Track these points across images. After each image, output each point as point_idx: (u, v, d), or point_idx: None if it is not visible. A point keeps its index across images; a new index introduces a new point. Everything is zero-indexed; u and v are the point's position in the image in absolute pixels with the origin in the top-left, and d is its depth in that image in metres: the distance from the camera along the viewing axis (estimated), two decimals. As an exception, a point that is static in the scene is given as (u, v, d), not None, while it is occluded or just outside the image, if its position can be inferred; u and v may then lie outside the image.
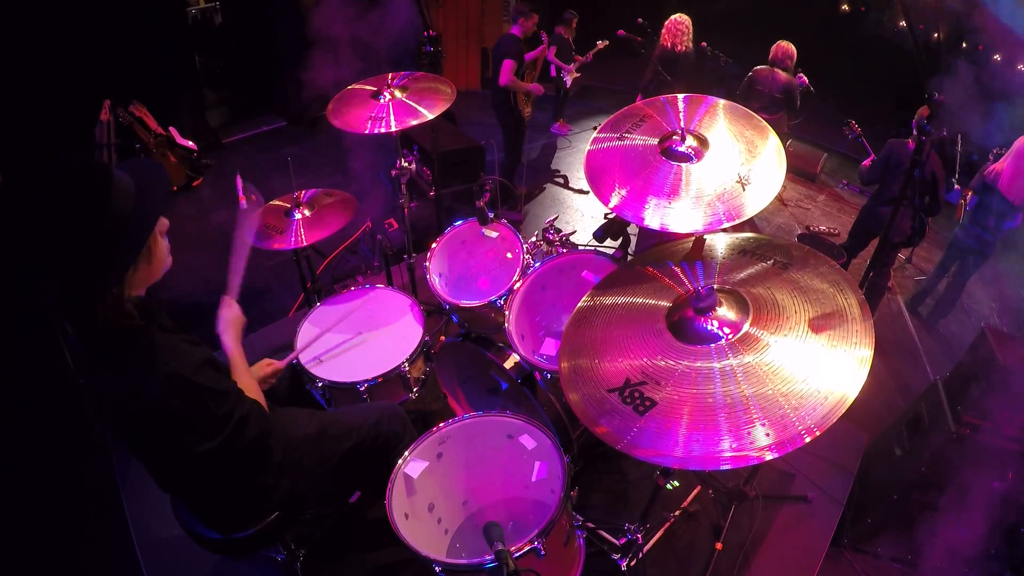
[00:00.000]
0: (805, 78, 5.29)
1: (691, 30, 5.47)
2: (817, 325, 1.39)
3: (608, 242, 2.30)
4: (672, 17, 5.44)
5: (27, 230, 1.20)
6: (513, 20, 4.91)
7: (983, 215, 4.11)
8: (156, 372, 1.32)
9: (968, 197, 4.28)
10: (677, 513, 2.46)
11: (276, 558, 2.13)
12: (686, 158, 1.83)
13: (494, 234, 2.73)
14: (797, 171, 6.53)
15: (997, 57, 6.89)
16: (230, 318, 1.79)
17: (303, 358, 2.41)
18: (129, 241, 1.27)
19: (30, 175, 1.23)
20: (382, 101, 2.66)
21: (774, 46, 5.20)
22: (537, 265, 2.52)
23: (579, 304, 1.74)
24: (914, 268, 5.34)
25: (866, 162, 4.09)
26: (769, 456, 1.21)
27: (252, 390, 1.63)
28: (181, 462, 1.45)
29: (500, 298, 2.44)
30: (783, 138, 5.61)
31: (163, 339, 1.37)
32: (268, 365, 1.92)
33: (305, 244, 2.67)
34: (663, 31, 5.46)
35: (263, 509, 1.74)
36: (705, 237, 1.77)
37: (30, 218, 1.19)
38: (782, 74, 5.12)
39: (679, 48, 5.42)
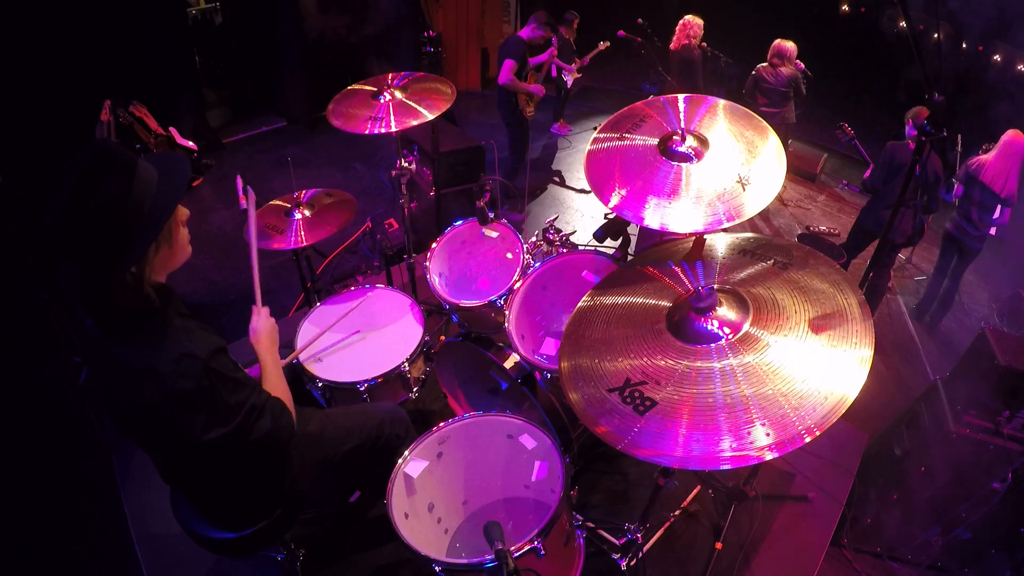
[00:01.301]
0: (801, 63, 5.38)
1: (688, 29, 5.54)
2: (817, 325, 1.39)
3: (608, 242, 2.30)
4: None
5: (51, 209, 1.22)
6: (527, 23, 4.90)
7: (967, 206, 4.12)
8: (171, 352, 1.34)
9: (955, 188, 4.29)
10: (677, 513, 2.46)
11: (276, 558, 2.13)
12: (686, 158, 1.83)
13: (494, 234, 2.74)
14: (797, 171, 6.54)
15: (997, 58, 6.91)
16: (264, 329, 1.78)
17: (303, 358, 2.41)
18: (151, 220, 1.31)
19: (30, 175, 1.25)
20: (382, 101, 2.66)
21: (773, 44, 5.27)
22: (537, 265, 2.52)
23: (579, 304, 1.74)
24: (914, 268, 5.35)
25: (867, 173, 4.10)
26: (769, 456, 1.21)
27: (284, 396, 1.65)
28: (187, 449, 1.45)
29: (500, 298, 2.44)
30: (788, 133, 5.68)
31: (180, 322, 1.40)
32: None
33: (305, 244, 2.67)
34: None
35: (263, 507, 1.74)
36: (705, 237, 1.77)
37: (55, 198, 1.22)
38: (784, 68, 5.21)
39: (673, 47, 5.65)
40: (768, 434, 1.23)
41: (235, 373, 1.46)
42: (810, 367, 1.31)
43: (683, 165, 1.82)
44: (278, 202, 2.85)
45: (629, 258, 2.52)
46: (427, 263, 2.69)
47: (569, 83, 6.52)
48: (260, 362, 1.74)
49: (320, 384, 2.34)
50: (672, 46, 5.68)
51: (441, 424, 2.00)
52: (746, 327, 1.43)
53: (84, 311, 1.36)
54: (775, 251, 1.65)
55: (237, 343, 2.71)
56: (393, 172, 2.97)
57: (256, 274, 1.87)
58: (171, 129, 5.64)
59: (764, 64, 5.35)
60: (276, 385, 1.67)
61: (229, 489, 1.65)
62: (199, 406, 1.38)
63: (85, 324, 1.40)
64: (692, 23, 5.55)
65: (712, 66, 6.13)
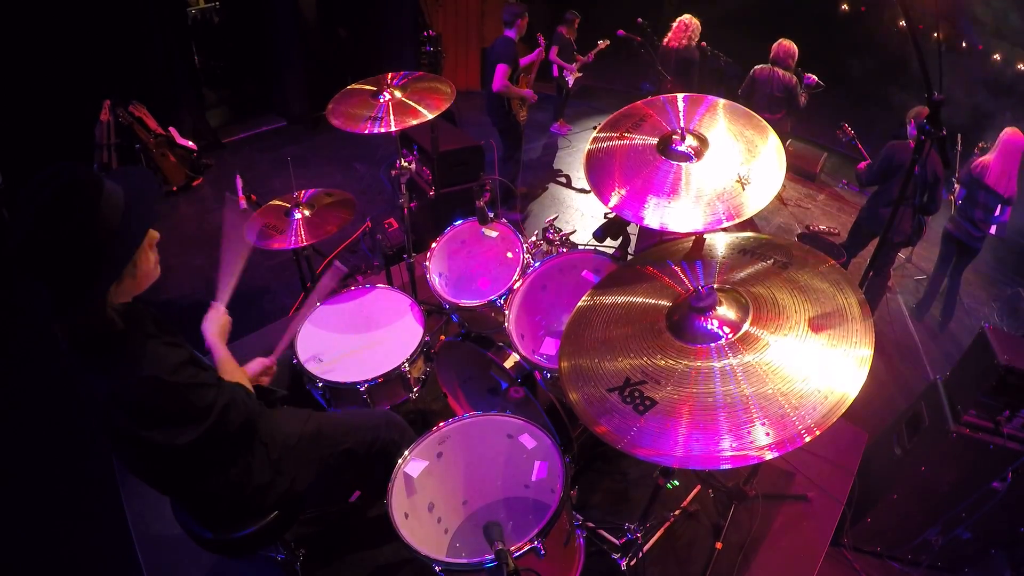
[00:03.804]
0: (815, 77, 5.19)
1: (689, 29, 5.56)
2: (817, 324, 1.38)
3: (608, 242, 2.30)
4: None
5: (14, 235, 1.21)
6: (508, 23, 4.84)
7: (971, 208, 4.12)
8: (133, 376, 1.34)
9: (956, 190, 4.30)
10: (677, 513, 2.45)
11: (276, 558, 2.13)
12: (686, 157, 1.83)
13: (494, 234, 2.73)
14: (797, 170, 6.54)
15: (997, 57, 6.91)
16: (216, 318, 1.83)
17: (302, 358, 2.41)
18: (115, 255, 1.29)
19: (30, 176, 1.24)
20: (382, 101, 2.66)
21: (775, 44, 5.21)
22: (537, 265, 2.52)
23: (579, 304, 1.74)
24: (914, 268, 5.35)
25: (862, 165, 4.09)
26: (769, 455, 1.21)
27: (240, 378, 1.67)
28: (168, 458, 1.46)
29: (500, 297, 2.44)
30: (784, 138, 5.65)
31: (142, 344, 1.38)
32: (258, 363, 1.93)
33: (305, 244, 2.67)
34: None
35: (261, 508, 1.74)
36: (705, 236, 1.77)
37: (18, 224, 1.20)
38: (782, 73, 5.12)
39: (672, 44, 5.68)
40: (768, 433, 1.22)
41: (199, 378, 1.45)
42: (810, 366, 1.31)
43: (683, 164, 1.82)
44: (278, 202, 2.84)
45: (629, 258, 2.52)
46: (427, 263, 2.69)
47: (570, 82, 6.52)
48: (210, 348, 1.77)
49: (320, 384, 2.33)
50: (671, 44, 5.68)
51: (441, 424, 2.00)
52: (746, 326, 1.43)
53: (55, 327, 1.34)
54: (775, 250, 1.65)
55: (236, 343, 2.71)
56: (393, 172, 2.97)
57: (235, 273, 1.87)
58: (171, 129, 5.65)
59: (762, 66, 5.30)
60: (231, 370, 1.71)
61: (223, 493, 1.65)
62: (168, 418, 1.40)
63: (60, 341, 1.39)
64: (692, 23, 5.59)
65: (712, 66, 6.13)
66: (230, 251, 1.93)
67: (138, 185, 1.35)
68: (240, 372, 1.75)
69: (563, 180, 6.24)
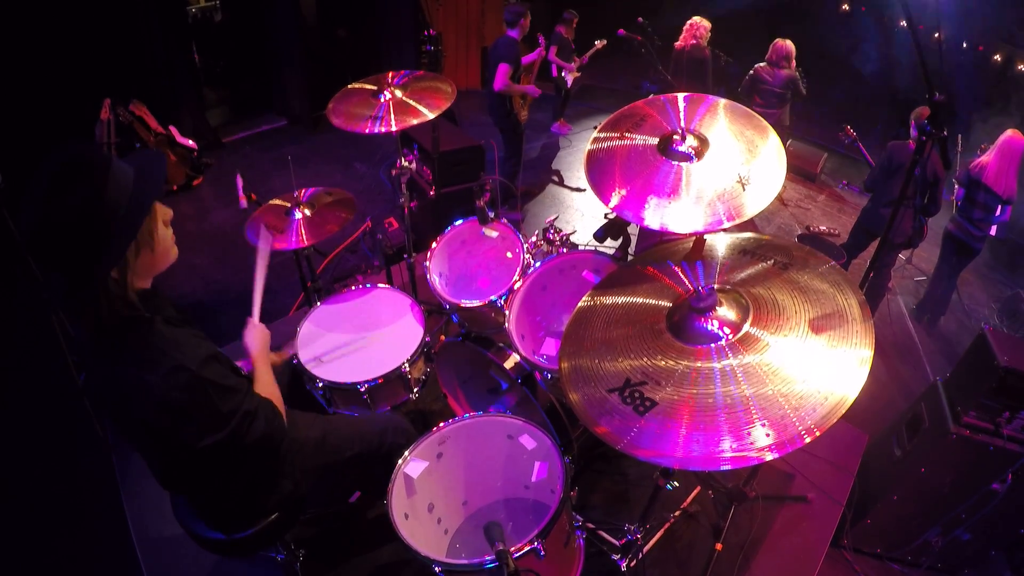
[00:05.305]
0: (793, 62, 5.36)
1: (695, 29, 5.59)
2: (817, 325, 1.38)
3: (608, 242, 2.30)
4: None
5: (26, 218, 1.20)
6: (510, 23, 4.81)
7: (970, 208, 4.13)
8: (161, 365, 1.31)
9: (956, 191, 4.31)
10: (677, 513, 2.45)
11: (276, 558, 2.13)
12: (686, 158, 1.82)
13: (494, 233, 2.73)
14: (797, 171, 6.53)
15: (997, 58, 6.91)
16: (255, 333, 1.78)
17: (303, 357, 2.40)
18: (125, 222, 1.26)
19: (30, 176, 1.23)
20: (382, 100, 2.66)
21: (772, 46, 5.26)
22: (537, 265, 2.52)
23: (579, 304, 1.74)
24: (914, 268, 5.35)
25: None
26: (769, 456, 1.21)
27: (274, 398, 1.62)
28: (183, 456, 1.45)
29: (500, 298, 2.44)
30: (785, 134, 5.71)
31: (169, 332, 1.36)
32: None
33: (305, 243, 2.66)
34: None
35: (263, 509, 1.74)
36: (705, 237, 1.77)
37: (29, 206, 1.19)
38: (783, 70, 5.20)
39: (679, 46, 5.76)
40: (768, 434, 1.22)
41: (226, 380, 1.43)
42: (810, 367, 1.31)
43: (683, 165, 1.81)
44: (278, 201, 2.84)
45: (629, 258, 2.51)
46: (427, 263, 2.69)
47: (569, 82, 6.51)
48: (253, 366, 1.72)
49: (320, 385, 2.33)
50: (679, 45, 5.72)
51: (441, 424, 2.00)
52: (746, 327, 1.43)
53: (71, 319, 1.32)
54: (775, 251, 1.64)
55: (235, 344, 2.71)
56: (393, 171, 2.97)
57: (259, 290, 1.87)
58: (171, 128, 5.65)
59: (763, 64, 5.35)
60: (267, 387, 1.65)
61: (227, 491, 1.65)
62: (191, 416, 1.37)
63: (74, 331, 1.37)
64: (699, 24, 5.64)
65: (712, 65, 6.15)
66: (260, 267, 1.93)
67: (146, 161, 1.35)
68: (274, 387, 1.69)
69: (562, 180, 6.23)
